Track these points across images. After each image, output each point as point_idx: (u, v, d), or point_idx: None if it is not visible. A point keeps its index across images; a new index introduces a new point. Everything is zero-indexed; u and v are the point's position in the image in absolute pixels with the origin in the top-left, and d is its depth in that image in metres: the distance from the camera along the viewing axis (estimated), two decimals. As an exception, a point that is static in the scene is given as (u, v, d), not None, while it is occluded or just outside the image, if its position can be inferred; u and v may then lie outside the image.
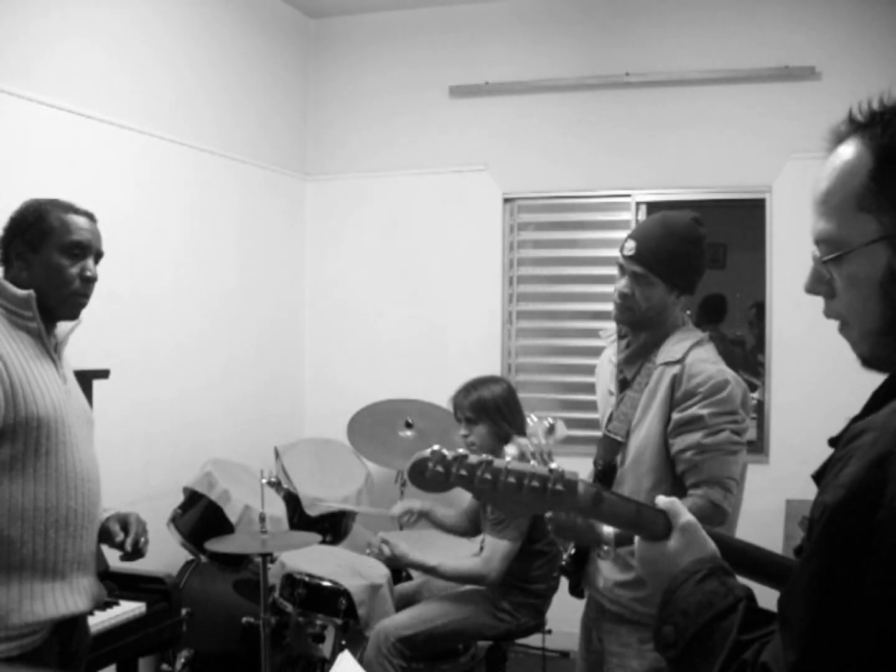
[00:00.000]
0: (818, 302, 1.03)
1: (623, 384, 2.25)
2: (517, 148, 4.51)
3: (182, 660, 3.13)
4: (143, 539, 2.07)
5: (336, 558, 3.39)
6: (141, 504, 3.35)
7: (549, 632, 3.28)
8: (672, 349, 2.17)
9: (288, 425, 4.67)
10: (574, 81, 4.39)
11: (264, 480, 2.99)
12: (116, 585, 2.69)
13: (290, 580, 3.13)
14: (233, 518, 3.09)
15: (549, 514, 1.85)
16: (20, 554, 1.84)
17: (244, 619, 3.09)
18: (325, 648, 3.13)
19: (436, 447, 0.99)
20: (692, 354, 2.14)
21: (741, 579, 1.09)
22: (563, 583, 2.34)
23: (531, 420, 2.02)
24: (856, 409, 1.00)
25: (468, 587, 3.17)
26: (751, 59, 4.13)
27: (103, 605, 2.56)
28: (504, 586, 3.04)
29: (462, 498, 3.80)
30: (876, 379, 1.00)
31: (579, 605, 2.36)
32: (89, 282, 1.98)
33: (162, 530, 3.14)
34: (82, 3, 3.24)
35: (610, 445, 2.19)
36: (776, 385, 4.15)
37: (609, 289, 4.57)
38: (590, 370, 2.58)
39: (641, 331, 2.23)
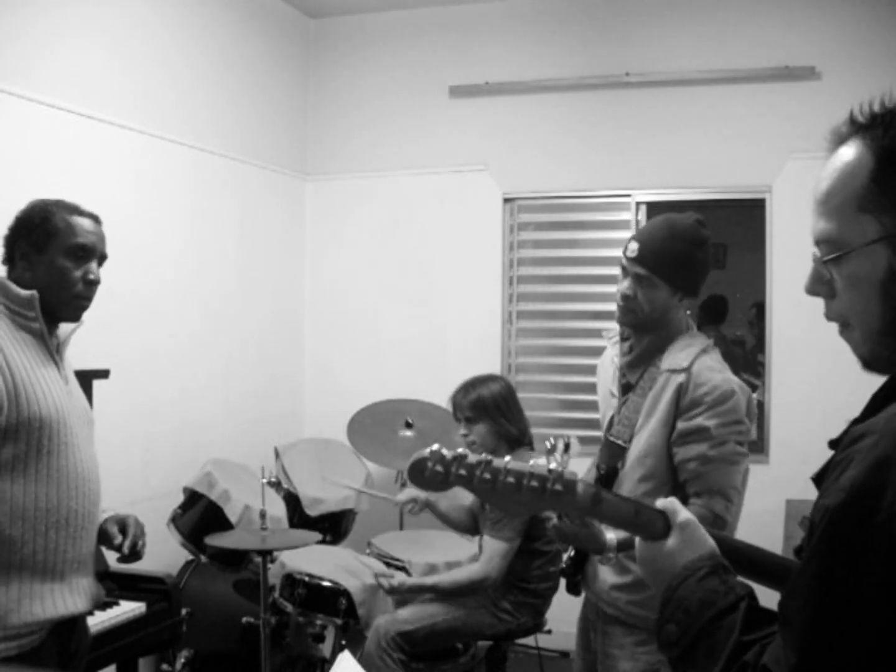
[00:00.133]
0: (818, 302, 1.03)
1: (626, 388, 2.24)
2: (517, 148, 4.51)
3: (182, 660, 3.14)
4: (140, 542, 2.07)
5: (336, 558, 3.39)
6: (141, 504, 3.36)
7: (549, 632, 3.28)
8: (678, 356, 2.14)
9: (288, 425, 4.67)
10: (574, 81, 4.39)
11: (264, 480, 2.99)
12: (116, 585, 2.70)
13: (290, 580, 3.13)
14: (233, 518, 3.09)
15: (553, 523, 1.85)
16: (20, 554, 1.84)
17: (244, 619, 3.10)
18: (325, 648, 3.14)
19: (435, 447, 0.99)
20: (698, 363, 2.11)
21: (741, 580, 1.09)
22: (562, 582, 2.34)
23: (548, 443, 2.03)
24: (856, 410, 1.00)
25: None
26: (751, 59, 4.13)
27: (103, 605, 2.56)
28: (504, 585, 3.04)
29: (465, 495, 3.81)
30: (876, 378, 1.00)
31: (578, 605, 2.37)
32: (92, 285, 1.98)
33: (162, 530, 3.14)
34: (82, 4, 3.24)
35: (612, 450, 2.18)
36: (776, 385, 4.15)
37: (609, 288, 4.58)
38: (590, 370, 2.58)
39: (645, 334, 2.21)
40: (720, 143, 4.19)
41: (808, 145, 3.72)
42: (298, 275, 4.82)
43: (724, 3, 4.21)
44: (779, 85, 4.10)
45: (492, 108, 4.55)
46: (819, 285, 1.00)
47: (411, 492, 3.33)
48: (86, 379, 2.62)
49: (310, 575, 3.13)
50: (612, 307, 2.27)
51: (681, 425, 2.08)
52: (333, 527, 3.78)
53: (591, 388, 2.57)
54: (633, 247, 2.17)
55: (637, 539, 1.12)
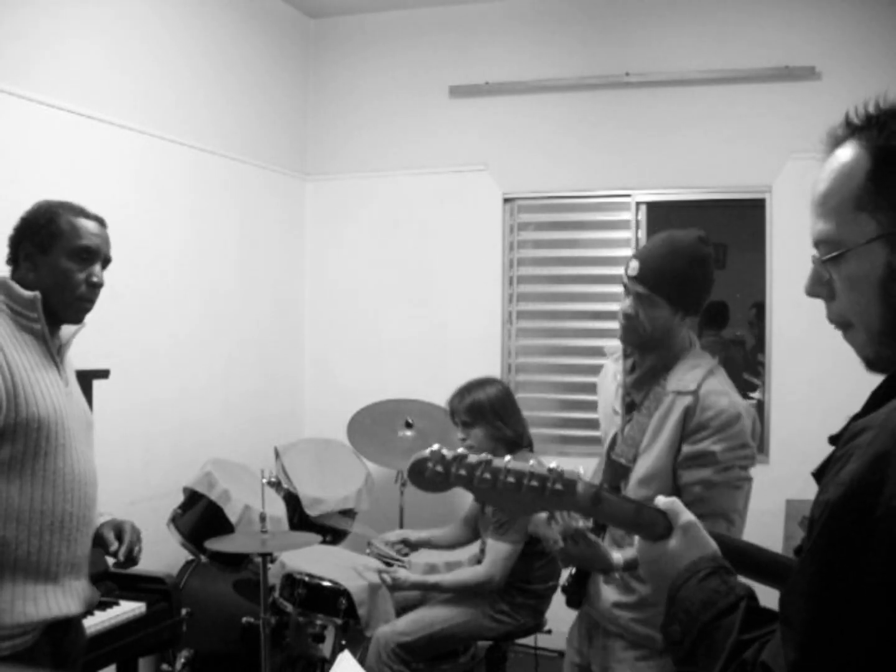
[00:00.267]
0: (818, 302, 1.03)
1: (630, 406, 2.22)
2: (517, 148, 4.51)
3: (182, 660, 3.13)
4: (137, 548, 2.06)
5: (336, 558, 3.39)
6: (141, 504, 3.37)
7: (549, 632, 3.28)
8: (684, 378, 2.12)
9: (288, 425, 4.67)
10: (574, 81, 4.39)
11: (264, 480, 2.99)
12: (116, 585, 2.70)
13: (290, 580, 3.13)
14: (233, 518, 3.09)
15: (559, 546, 1.84)
16: (14, 555, 1.84)
17: (244, 619, 3.09)
18: (325, 648, 3.13)
19: (435, 447, 0.99)
20: (706, 385, 2.09)
21: (742, 579, 1.09)
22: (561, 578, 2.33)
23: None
24: (855, 408, 1.00)
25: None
26: (751, 59, 4.13)
27: (103, 606, 2.57)
28: (504, 587, 3.04)
29: (460, 494, 3.81)
30: (876, 377, 1.00)
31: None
32: (95, 287, 1.98)
33: (162, 530, 3.14)
34: (82, 4, 3.24)
35: (616, 469, 2.17)
36: (776, 385, 4.15)
37: (610, 288, 4.60)
38: (590, 370, 2.58)
39: (648, 352, 2.18)
40: (720, 143, 4.19)
41: (808, 145, 3.68)
42: (298, 275, 4.82)
43: (724, 3, 4.20)
44: (779, 85, 4.10)
45: (492, 108, 4.55)
46: (819, 286, 1.00)
47: (403, 533, 3.33)
48: (86, 379, 2.62)
49: (310, 575, 3.13)
50: (613, 307, 2.27)
51: (686, 449, 2.06)
52: (333, 527, 3.78)
53: (591, 388, 2.56)
54: (634, 265, 2.14)
55: (637, 538, 1.12)
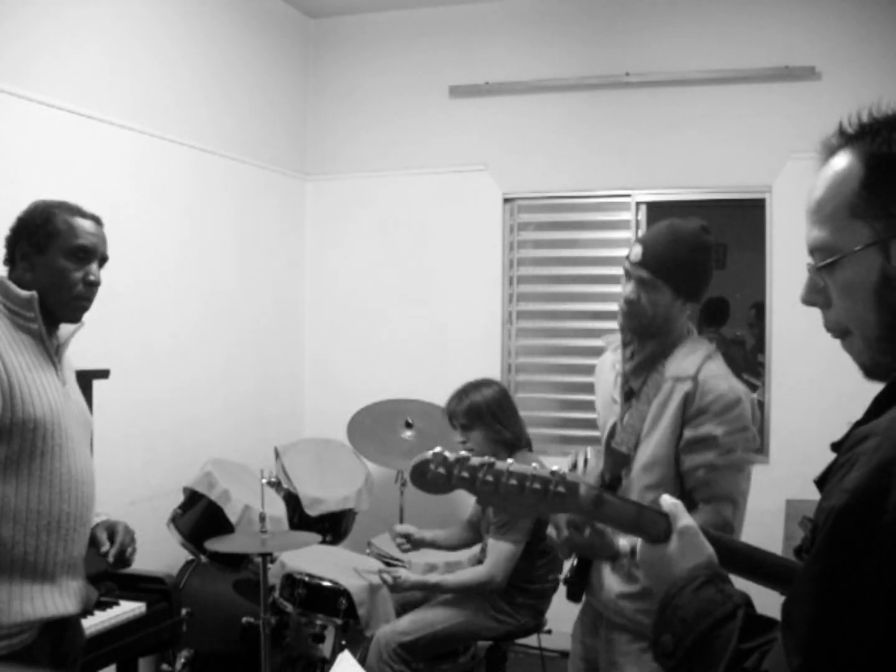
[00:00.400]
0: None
1: (629, 394, 2.23)
2: (517, 148, 4.51)
3: (182, 660, 3.14)
4: (129, 549, 2.06)
5: (336, 558, 3.39)
6: (141, 504, 3.37)
7: (549, 632, 3.28)
8: (683, 363, 2.13)
9: (288, 425, 4.67)
10: (574, 81, 4.39)
11: (264, 480, 2.99)
12: (116, 585, 2.69)
13: (290, 580, 3.13)
14: (233, 518, 3.09)
15: (564, 535, 1.84)
16: (10, 555, 1.84)
17: (244, 619, 3.10)
18: (325, 648, 3.14)
19: (437, 449, 0.99)
20: (704, 370, 2.11)
21: (743, 581, 1.09)
22: (562, 588, 2.32)
23: (571, 460, 2.05)
24: (855, 409, 1.00)
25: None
26: (751, 59, 4.13)
27: (103, 606, 2.57)
28: (504, 587, 3.04)
29: (460, 495, 3.81)
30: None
31: (578, 605, 2.36)
32: (92, 286, 1.98)
33: (162, 530, 3.14)
34: (82, 5, 3.24)
35: (616, 458, 2.17)
36: (776, 385, 4.15)
37: (610, 288, 4.60)
38: (590, 370, 2.56)
39: (647, 339, 2.19)
40: (720, 143, 4.19)
41: (808, 145, 3.67)
42: (298, 275, 4.82)
43: (724, 3, 4.20)
44: (779, 85, 4.10)
45: (492, 108, 4.54)
46: (815, 294, 1.01)
47: (406, 528, 3.33)
48: (86, 379, 2.62)
49: (310, 575, 3.13)
50: (613, 307, 2.27)
51: (688, 433, 2.07)
52: (333, 527, 3.78)
53: (591, 388, 2.55)
54: (637, 250, 2.16)
55: (640, 541, 1.12)
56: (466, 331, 4.58)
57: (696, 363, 2.12)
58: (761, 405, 4.24)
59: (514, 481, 0.98)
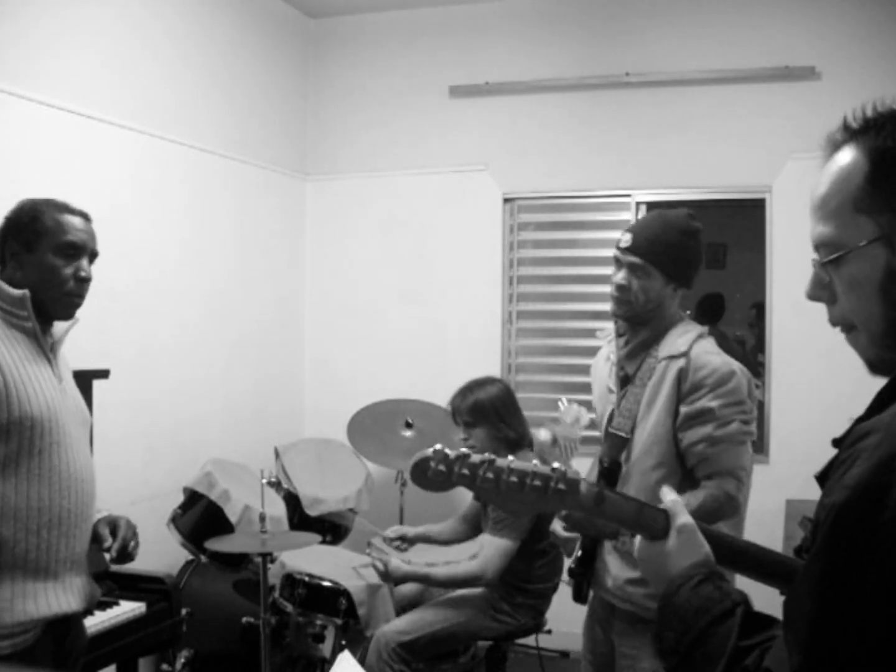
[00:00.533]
0: (818, 302, 1.03)
1: (624, 381, 2.24)
2: (517, 148, 4.51)
3: (182, 660, 3.13)
4: (132, 543, 2.05)
5: (336, 558, 3.39)
6: (141, 504, 3.37)
7: (549, 632, 3.28)
8: (675, 342, 2.16)
9: (288, 425, 4.67)
10: (574, 81, 4.39)
11: (264, 480, 2.99)
12: (116, 585, 2.69)
13: (290, 580, 3.13)
14: (233, 518, 3.09)
15: (564, 512, 1.85)
16: (12, 553, 1.84)
17: (244, 619, 3.10)
18: (325, 648, 3.13)
19: (438, 446, 0.99)
20: (696, 347, 2.14)
21: (740, 579, 1.09)
22: (568, 590, 2.30)
23: (562, 404, 2.05)
24: (855, 409, 1.00)
25: (467, 589, 3.16)
26: (751, 59, 4.13)
27: (103, 605, 2.56)
28: (504, 587, 3.04)
29: (459, 494, 3.81)
30: (875, 378, 1.00)
31: (579, 605, 2.35)
32: (84, 282, 1.98)
33: (162, 530, 3.14)
34: (81, 5, 3.24)
35: (614, 442, 2.18)
36: (776, 385, 4.15)
37: (609, 289, 4.58)
38: (590, 370, 2.57)
39: (640, 326, 2.22)
40: (720, 143, 4.19)
41: (808, 145, 3.68)
42: (298, 275, 4.82)
43: (724, 3, 4.20)
44: (779, 85, 4.10)
45: (492, 108, 4.54)
46: (820, 290, 1.00)
47: (400, 529, 3.33)
48: (86, 379, 2.62)
49: (310, 575, 3.13)
50: (610, 302, 2.28)
51: (684, 409, 2.09)
52: (333, 527, 3.78)
53: (591, 387, 2.57)
54: (627, 237, 2.20)
55: (638, 537, 1.12)
56: (466, 331, 4.58)
57: (688, 341, 2.15)
58: (761, 405, 4.25)
59: (514, 478, 0.98)
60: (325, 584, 3.10)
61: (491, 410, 3.05)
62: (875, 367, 0.98)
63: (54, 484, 1.90)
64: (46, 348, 1.97)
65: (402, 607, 3.25)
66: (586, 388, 3.14)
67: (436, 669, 3.13)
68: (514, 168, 4.53)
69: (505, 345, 4.59)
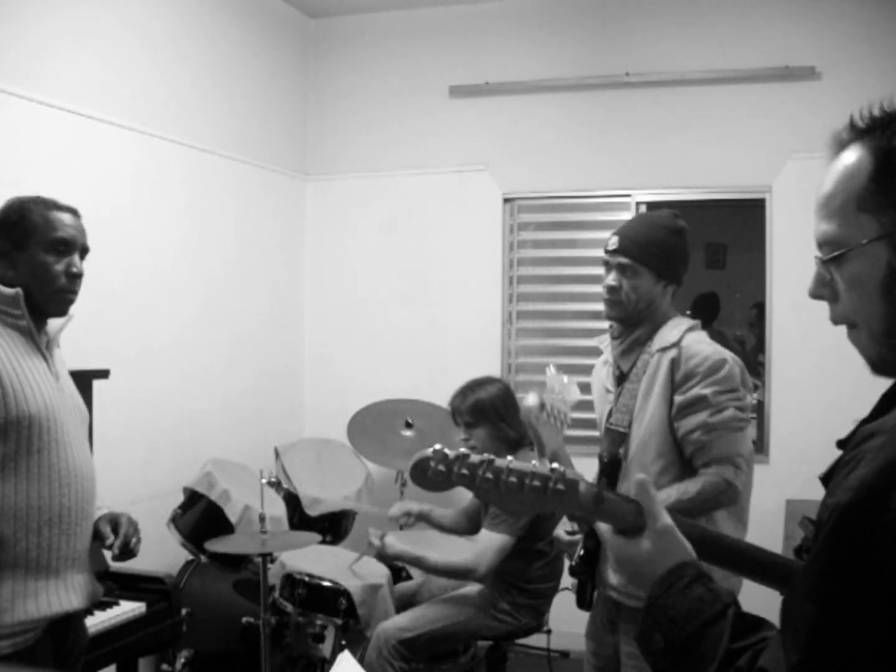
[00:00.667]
0: (818, 302, 1.03)
1: (620, 379, 2.27)
2: (517, 148, 4.51)
3: (182, 660, 3.13)
4: (133, 540, 2.05)
5: (336, 558, 3.39)
6: (141, 504, 3.36)
7: (549, 632, 3.28)
8: (667, 335, 2.20)
9: (288, 425, 4.67)
10: (574, 81, 4.39)
11: (264, 480, 2.99)
12: (116, 585, 2.69)
13: (290, 580, 3.13)
14: (233, 518, 3.09)
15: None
16: (13, 552, 1.84)
17: (244, 619, 3.09)
18: (325, 648, 3.13)
19: (437, 446, 0.99)
20: (688, 337, 2.18)
21: (744, 580, 1.09)
22: (572, 597, 2.29)
23: (549, 370, 2.06)
24: (855, 409, 1.00)
25: (468, 588, 3.17)
26: (751, 59, 4.13)
27: (103, 605, 2.56)
28: (504, 586, 3.04)
29: (462, 498, 3.81)
30: (876, 378, 1.00)
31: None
32: (76, 278, 1.97)
33: (162, 530, 3.14)
34: (81, 6, 3.24)
35: (613, 437, 2.20)
36: (776, 385, 4.15)
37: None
38: (590, 370, 2.58)
39: (633, 327, 2.25)
40: (720, 143, 4.19)
41: (808, 145, 3.72)
42: (298, 275, 4.82)
43: (724, 3, 4.20)
44: (779, 85, 4.10)
45: (492, 108, 4.54)
46: (822, 288, 1.00)
47: (403, 505, 3.32)
48: (86, 379, 2.62)
49: (310, 575, 3.12)
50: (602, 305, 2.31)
51: (678, 399, 2.11)
52: (333, 527, 3.78)
53: (591, 388, 2.58)
54: (614, 240, 2.25)
55: (609, 533, 1.09)
56: (466, 331, 4.58)
57: (679, 332, 2.19)
58: (761, 405, 4.25)
59: (513, 479, 0.98)
60: (325, 584, 3.10)
61: (491, 410, 3.05)
62: (876, 366, 0.98)
63: (54, 482, 1.90)
64: (42, 346, 1.97)
65: (402, 605, 3.24)
66: (585, 388, 3.15)
67: (436, 669, 3.13)
68: (514, 168, 4.53)
69: (505, 345, 4.59)
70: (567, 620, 2.37)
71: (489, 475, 0.98)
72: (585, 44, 4.42)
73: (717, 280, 5.95)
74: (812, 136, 3.71)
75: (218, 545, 2.75)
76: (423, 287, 4.66)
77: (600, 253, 4.42)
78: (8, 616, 1.82)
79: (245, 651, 3.17)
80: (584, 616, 2.39)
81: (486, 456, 0.99)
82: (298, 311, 4.83)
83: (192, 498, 3.19)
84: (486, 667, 3.21)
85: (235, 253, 4.23)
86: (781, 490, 3.76)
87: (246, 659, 3.17)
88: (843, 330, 1.01)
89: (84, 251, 2.02)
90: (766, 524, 3.41)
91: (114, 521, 2.08)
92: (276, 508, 3.25)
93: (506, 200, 4.56)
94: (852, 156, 0.96)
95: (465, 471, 0.98)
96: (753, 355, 5.15)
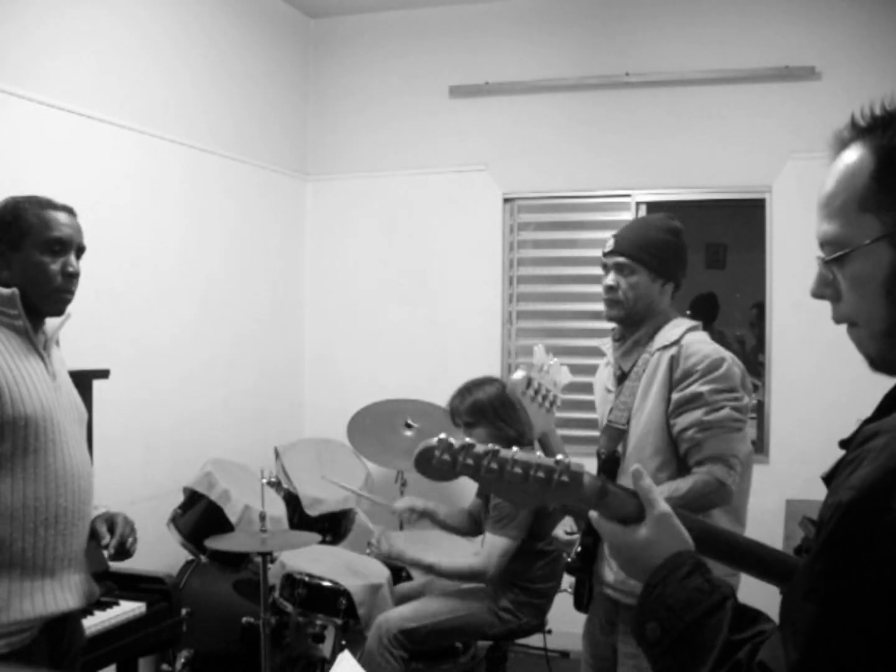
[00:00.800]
0: (818, 301, 1.03)
1: (620, 379, 2.28)
2: (517, 148, 4.51)
3: (182, 660, 3.13)
4: (130, 539, 2.04)
5: (336, 558, 3.39)
6: (141, 503, 3.36)
7: (550, 632, 3.28)
8: (667, 334, 2.21)
9: (288, 425, 4.66)
10: (574, 81, 4.39)
11: (264, 480, 2.99)
12: (116, 585, 2.69)
13: (290, 580, 3.13)
14: (233, 518, 3.09)
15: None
16: (9, 552, 1.84)
17: (244, 619, 3.09)
18: (325, 648, 3.13)
19: (443, 436, 0.99)
20: (688, 336, 2.19)
21: (744, 577, 1.09)
22: (569, 599, 2.29)
23: (537, 349, 2.07)
24: (855, 409, 1.00)
25: (470, 585, 3.16)
26: (751, 59, 4.13)
27: (103, 605, 2.56)
28: (506, 585, 3.04)
29: (462, 495, 3.81)
30: (877, 378, 0.99)
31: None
32: (72, 277, 1.96)
33: (162, 530, 3.14)
34: (81, 6, 3.24)
35: (612, 434, 2.20)
36: (776, 385, 4.15)
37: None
38: (590, 370, 2.59)
39: (634, 327, 2.27)
40: (720, 143, 4.19)
41: (808, 145, 3.72)
42: (298, 275, 4.82)
43: (724, 3, 4.21)
44: (779, 85, 4.10)
45: (492, 108, 4.55)
46: (824, 288, 1.00)
47: (408, 500, 3.32)
48: (85, 379, 2.62)
49: (310, 575, 3.12)
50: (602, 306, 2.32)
51: (676, 396, 2.13)
52: (333, 527, 3.77)
53: (591, 388, 2.59)
54: (610, 241, 2.28)
55: (604, 520, 1.09)
56: (466, 331, 4.57)
57: (679, 332, 2.20)
58: (761, 405, 4.25)
59: (518, 469, 0.98)
60: (325, 584, 3.09)
61: (490, 410, 3.05)
62: (875, 364, 0.98)
63: (50, 482, 1.90)
64: (39, 346, 1.96)
65: (403, 602, 3.24)
66: (586, 388, 3.15)
67: (435, 669, 3.13)
68: (514, 168, 4.53)
69: (505, 345, 4.59)
70: (567, 620, 2.37)
71: (494, 465, 0.98)
72: (585, 44, 4.42)
73: (717, 280, 5.95)
74: (812, 136, 3.71)
75: (218, 543, 2.75)
76: (423, 287, 4.66)
77: (600, 253, 4.46)
78: (3, 615, 1.82)
79: (245, 651, 3.16)
80: (584, 616, 2.38)
81: (491, 446, 0.99)
82: (298, 311, 4.82)
83: (192, 498, 3.18)
84: (486, 667, 3.21)
85: (235, 253, 4.23)
86: (781, 490, 3.76)
87: (246, 659, 3.16)
88: (843, 330, 1.01)
89: (80, 250, 2.01)
90: (765, 524, 3.40)
91: (110, 521, 2.07)
92: (276, 508, 3.25)
93: (506, 200, 4.56)
94: (854, 155, 0.96)
95: (469, 461, 0.98)
96: (753, 355, 5.15)
